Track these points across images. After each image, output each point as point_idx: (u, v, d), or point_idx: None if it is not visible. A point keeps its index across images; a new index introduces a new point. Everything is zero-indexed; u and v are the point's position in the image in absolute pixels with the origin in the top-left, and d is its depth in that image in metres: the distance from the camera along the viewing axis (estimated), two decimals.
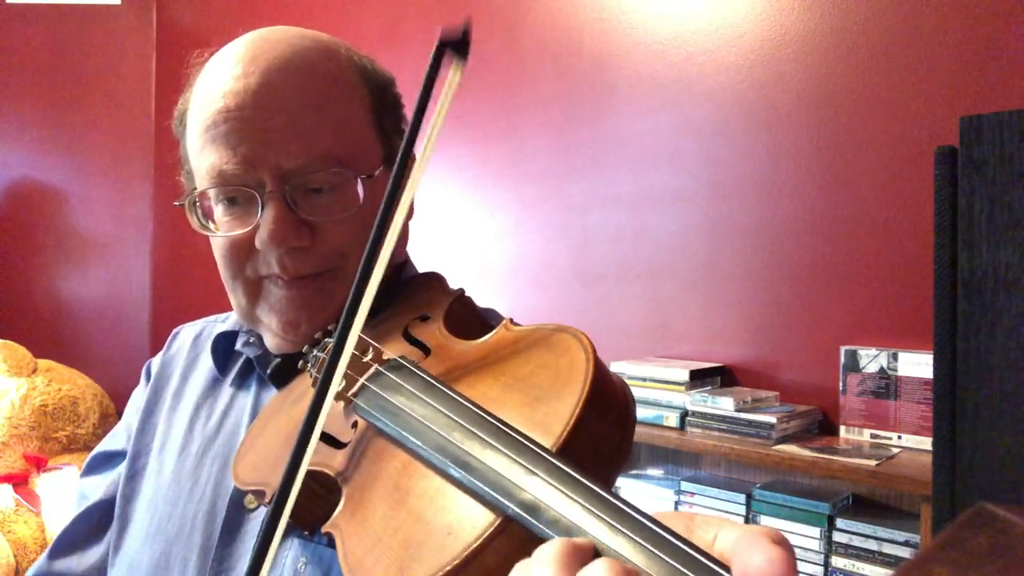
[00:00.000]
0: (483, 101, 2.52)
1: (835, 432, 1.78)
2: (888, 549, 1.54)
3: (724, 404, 1.76)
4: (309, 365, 0.63)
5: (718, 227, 2.04)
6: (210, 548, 0.66)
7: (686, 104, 2.10)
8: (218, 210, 0.67)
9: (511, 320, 0.55)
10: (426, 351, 0.57)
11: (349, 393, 0.53)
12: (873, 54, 1.80)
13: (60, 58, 3.57)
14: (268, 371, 0.70)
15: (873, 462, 1.53)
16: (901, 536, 1.53)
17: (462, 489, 0.41)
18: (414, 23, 2.72)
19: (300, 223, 0.64)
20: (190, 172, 0.71)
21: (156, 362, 0.85)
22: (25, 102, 3.54)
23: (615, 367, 1.93)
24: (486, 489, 0.39)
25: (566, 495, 0.36)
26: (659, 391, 1.88)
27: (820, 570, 1.61)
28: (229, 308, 0.85)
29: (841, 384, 1.77)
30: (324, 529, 0.47)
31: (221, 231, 0.67)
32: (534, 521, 0.36)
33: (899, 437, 1.68)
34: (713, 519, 0.33)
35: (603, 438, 0.43)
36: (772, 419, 1.69)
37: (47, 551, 0.78)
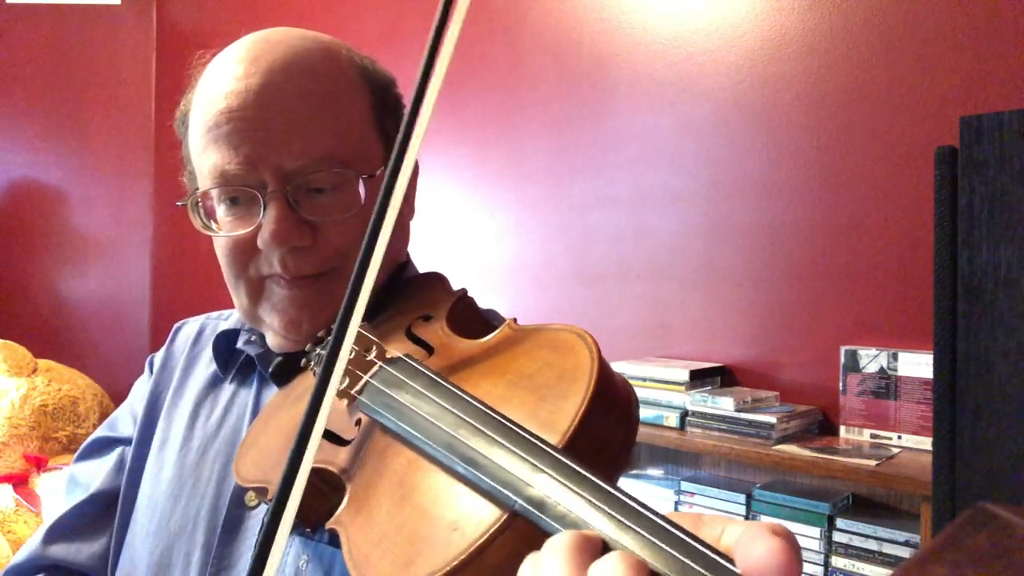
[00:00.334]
0: (483, 101, 2.52)
1: (835, 432, 1.78)
2: (888, 549, 1.54)
3: (724, 404, 1.76)
4: (312, 363, 0.63)
5: (718, 227, 2.04)
6: (212, 545, 0.66)
7: (686, 104, 2.10)
8: (220, 210, 0.67)
9: (514, 320, 0.55)
10: (429, 350, 0.57)
11: (353, 390, 0.53)
12: (873, 54, 1.80)
13: (60, 58, 3.57)
14: (270, 369, 0.70)
15: (873, 462, 1.53)
16: (901, 536, 1.53)
17: (468, 485, 0.41)
18: (414, 23, 2.72)
19: (302, 223, 0.64)
20: (192, 172, 0.71)
21: (159, 357, 0.85)
22: (25, 102, 3.54)
23: (615, 367, 1.93)
24: (493, 485, 0.40)
25: (573, 491, 0.36)
26: (659, 391, 1.88)
27: (820, 570, 1.61)
28: (229, 306, 0.85)
29: (841, 384, 1.77)
30: (328, 525, 0.47)
31: (224, 231, 0.67)
32: (542, 516, 0.37)
33: (899, 437, 1.68)
34: (719, 518, 0.34)
35: (607, 437, 0.43)
36: (772, 419, 1.69)
37: (41, 536, 0.77)
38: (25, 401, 2.45)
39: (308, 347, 0.65)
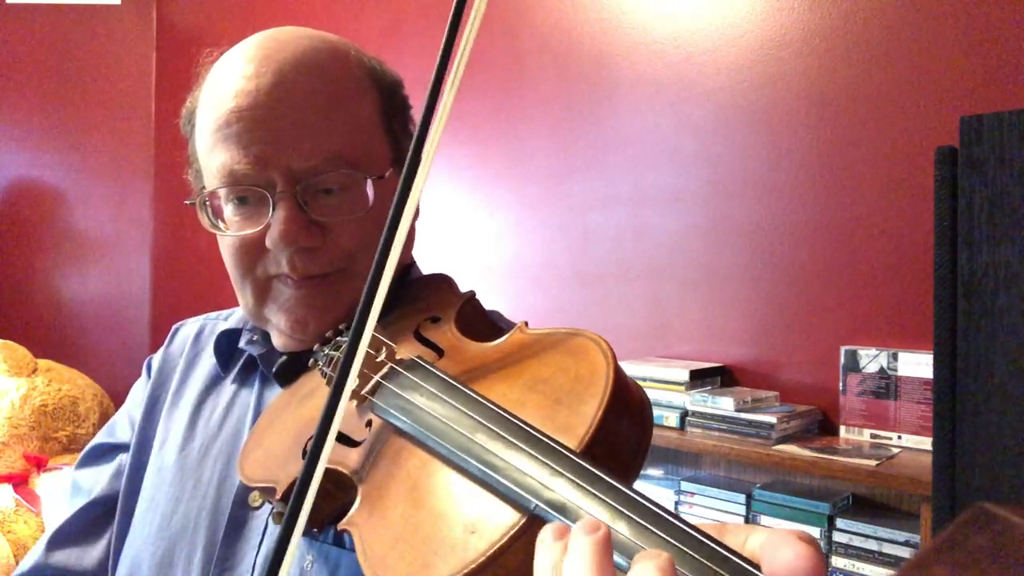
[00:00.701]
0: (483, 101, 2.52)
1: (835, 432, 1.78)
2: (888, 549, 1.54)
3: (724, 404, 1.76)
4: (321, 363, 0.63)
5: (718, 227, 2.04)
6: (214, 545, 0.66)
7: (686, 104, 2.10)
8: (228, 209, 0.68)
9: (525, 323, 0.55)
10: (439, 352, 0.57)
11: (363, 391, 0.53)
12: (873, 54, 1.80)
13: (60, 58, 3.57)
14: (274, 369, 0.70)
15: (873, 462, 1.53)
16: (901, 536, 1.53)
17: (485, 488, 0.41)
18: (414, 23, 2.72)
19: (311, 223, 0.64)
20: (199, 171, 0.71)
21: (157, 358, 0.85)
22: (25, 102, 3.54)
23: None
24: (511, 487, 0.39)
25: (593, 494, 0.36)
26: (659, 391, 1.88)
27: None
28: (229, 306, 0.85)
29: (841, 384, 1.77)
30: (340, 527, 0.47)
31: (231, 230, 0.67)
32: (562, 519, 0.37)
33: (899, 437, 1.68)
34: (743, 526, 0.34)
35: (623, 442, 0.43)
36: (772, 419, 1.69)
37: (44, 543, 0.77)
38: (25, 401, 2.45)
39: (316, 347, 0.65)
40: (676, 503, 1.87)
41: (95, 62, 3.61)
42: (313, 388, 0.63)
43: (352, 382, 0.44)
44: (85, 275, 3.62)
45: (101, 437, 0.83)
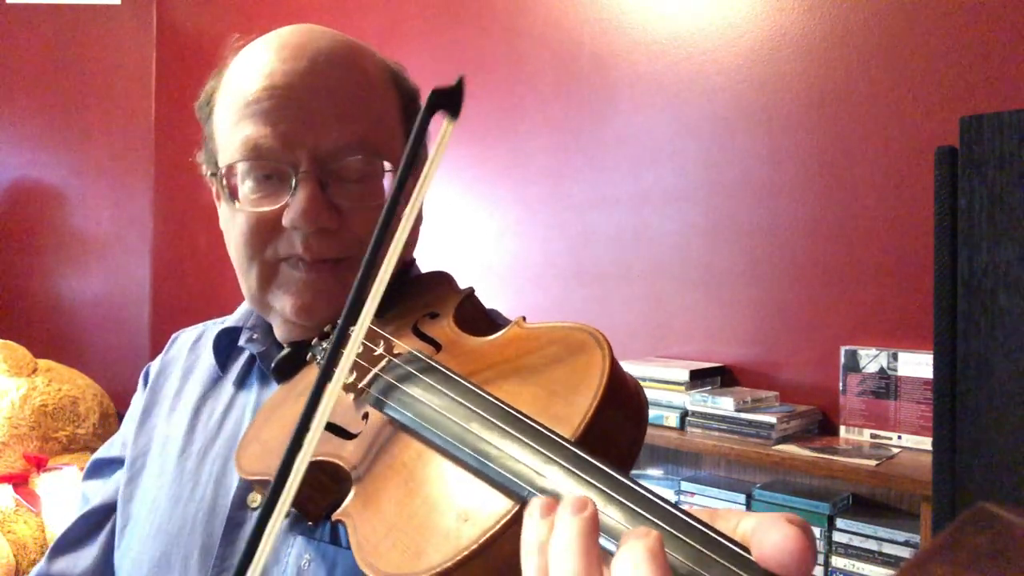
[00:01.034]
0: (483, 101, 2.52)
1: (835, 432, 1.78)
2: (888, 549, 1.54)
3: (724, 404, 1.76)
4: (318, 357, 0.63)
5: (718, 227, 2.04)
6: (211, 546, 0.66)
7: (686, 104, 2.10)
8: (246, 187, 0.67)
9: (523, 318, 0.56)
10: (437, 346, 0.57)
11: (361, 384, 0.54)
12: (873, 54, 1.80)
13: (60, 58, 3.57)
14: (272, 365, 0.69)
15: (873, 462, 1.53)
16: (901, 536, 1.53)
17: (479, 477, 0.42)
18: (414, 23, 2.72)
19: (331, 206, 0.65)
20: (213, 150, 0.71)
21: (154, 365, 0.85)
22: (25, 102, 3.54)
23: None
24: (505, 475, 0.40)
25: (587, 481, 0.37)
26: (659, 391, 1.88)
27: (820, 570, 1.61)
28: (229, 308, 0.85)
29: (841, 384, 1.77)
30: (334, 517, 0.47)
31: (248, 207, 0.67)
32: None
33: (899, 437, 1.68)
34: (734, 511, 0.34)
35: (617, 435, 0.44)
36: (772, 419, 1.69)
37: (48, 551, 0.78)
38: (25, 401, 2.45)
39: (314, 342, 0.65)
40: (676, 503, 1.87)
41: (95, 62, 3.61)
42: (311, 382, 0.63)
43: (344, 371, 0.44)
44: (85, 275, 3.62)
45: (101, 452, 0.84)
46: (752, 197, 1.98)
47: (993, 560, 0.23)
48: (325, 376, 0.44)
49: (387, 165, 0.68)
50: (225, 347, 0.79)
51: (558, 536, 0.33)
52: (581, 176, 2.31)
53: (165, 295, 3.66)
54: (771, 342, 1.95)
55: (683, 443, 1.79)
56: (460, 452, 0.43)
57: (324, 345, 0.63)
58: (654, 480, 1.97)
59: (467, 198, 2.58)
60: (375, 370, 0.54)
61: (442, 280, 0.71)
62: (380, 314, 0.66)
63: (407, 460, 0.47)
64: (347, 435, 0.53)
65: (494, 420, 0.43)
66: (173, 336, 0.88)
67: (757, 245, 1.97)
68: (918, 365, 1.66)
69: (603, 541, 0.34)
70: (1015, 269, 1.03)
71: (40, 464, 2.43)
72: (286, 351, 0.69)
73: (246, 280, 0.70)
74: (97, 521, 0.78)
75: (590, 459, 0.38)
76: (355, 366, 0.55)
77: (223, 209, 0.71)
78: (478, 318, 0.64)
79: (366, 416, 0.53)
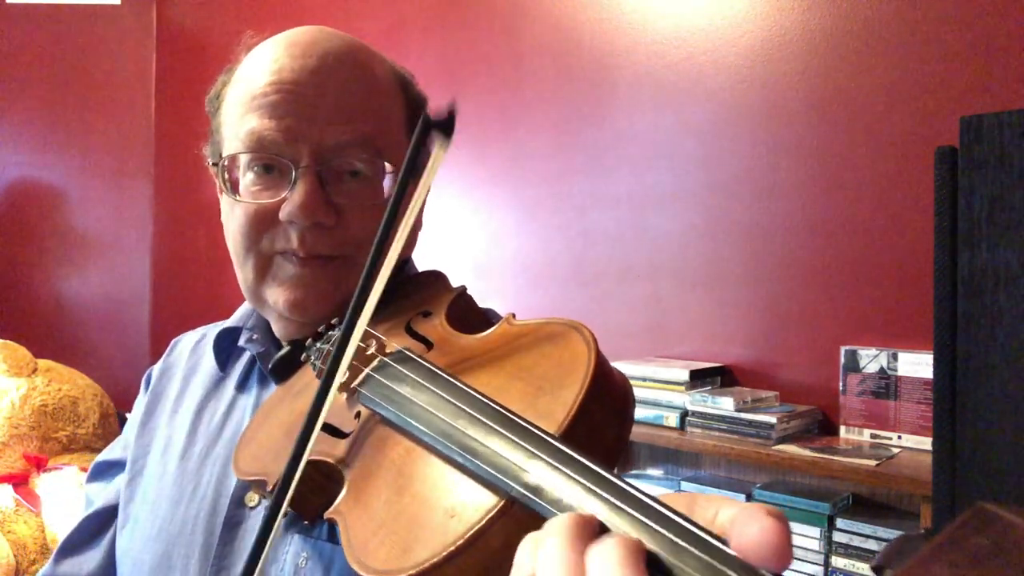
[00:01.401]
0: (483, 101, 2.52)
1: (835, 432, 1.78)
2: None
3: (724, 404, 1.76)
4: (312, 358, 0.64)
5: (718, 227, 2.04)
6: (211, 546, 0.66)
7: (686, 104, 2.10)
8: (247, 178, 0.68)
9: (512, 315, 0.56)
10: (428, 344, 0.58)
11: (353, 384, 0.54)
12: (873, 54, 1.80)
13: (60, 58, 3.57)
14: (270, 365, 0.70)
15: (873, 462, 1.53)
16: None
17: (466, 473, 0.42)
18: (414, 23, 2.72)
19: (328, 202, 0.66)
20: (219, 143, 0.72)
21: (156, 369, 0.85)
22: (25, 102, 3.54)
23: (614, 367, 1.93)
24: (490, 471, 0.40)
25: (568, 476, 0.37)
26: (659, 391, 1.88)
27: (820, 570, 1.61)
28: (229, 308, 0.85)
29: (841, 384, 1.77)
30: (327, 515, 0.48)
31: (247, 199, 0.68)
32: (538, 500, 0.37)
33: (899, 437, 1.68)
34: (715, 498, 0.34)
35: (603, 428, 0.44)
36: (772, 419, 1.69)
37: (54, 554, 0.79)
38: (25, 401, 2.45)
39: (308, 342, 0.65)
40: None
41: (95, 62, 3.61)
42: (306, 383, 0.64)
43: (342, 375, 0.44)
44: (85, 275, 3.62)
45: (104, 454, 0.85)
46: (752, 197, 1.98)
47: (993, 560, 0.23)
48: (327, 382, 0.44)
49: (388, 166, 0.68)
50: (225, 348, 0.79)
51: (547, 527, 0.34)
52: (581, 176, 2.30)
53: (165, 295, 3.66)
54: (771, 342, 1.95)
55: (683, 443, 1.79)
56: (447, 449, 0.43)
57: (319, 345, 0.64)
58: (654, 480, 1.97)
59: (467, 198, 2.58)
60: (367, 370, 0.54)
61: (435, 279, 0.72)
62: (375, 314, 0.67)
63: (396, 458, 0.47)
64: (340, 434, 0.54)
65: (480, 417, 0.43)
66: (174, 340, 0.88)
67: (757, 245, 1.97)
68: (918, 365, 1.66)
69: None
70: (1015, 269, 1.03)
71: (40, 464, 2.43)
72: (282, 352, 0.69)
73: (242, 272, 0.70)
74: (101, 524, 0.78)
75: (573, 454, 0.38)
76: (348, 365, 0.55)
77: (224, 201, 0.71)
78: (470, 316, 0.65)
79: (358, 415, 0.54)
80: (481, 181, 2.56)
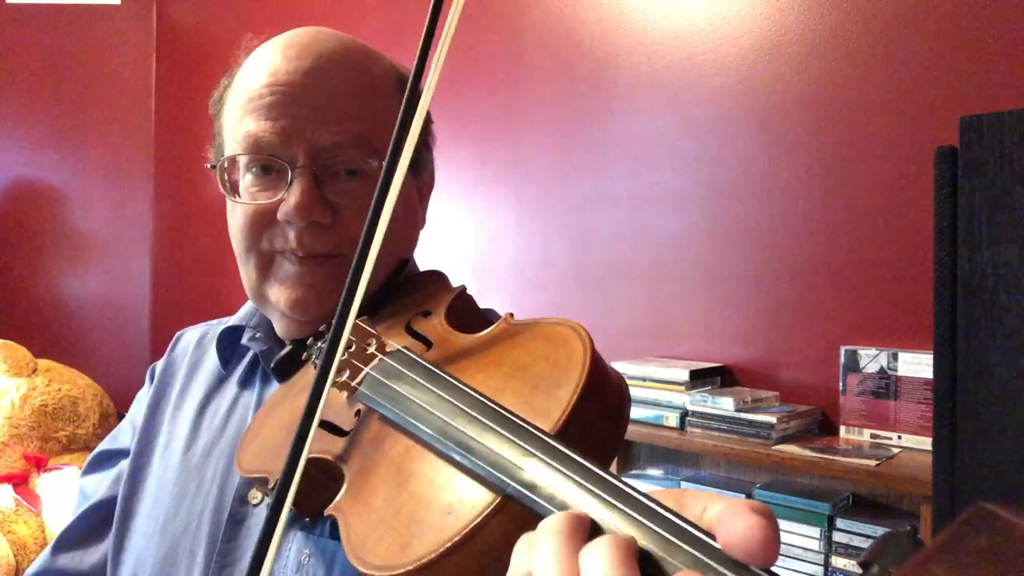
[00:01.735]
0: (483, 101, 2.52)
1: (835, 432, 1.78)
2: None
3: (724, 404, 1.76)
4: (314, 356, 0.64)
5: (718, 227, 2.04)
6: (216, 542, 0.66)
7: (686, 104, 2.10)
8: (246, 179, 0.69)
9: (511, 315, 0.56)
10: (428, 344, 0.59)
11: (354, 382, 0.55)
12: (873, 54, 1.80)
13: (60, 58, 3.57)
14: (272, 364, 0.71)
15: (873, 462, 1.53)
16: None
17: (463, 471, 0.43)
18: (414, 23, 2.72)
19: (325, 201, 0.66)
20: (220, 145, 0.73)
21: (160, 364, 0.86)
22: (25, 102, 3.54)
23: (615, 367, 1.93)
24: (487, 468, 0.41)
25: (563, 473, 0.38)
26: (659, 391, 1.88)
27: (820, 570, 1.61)
28: (229, 308, 0.85)
29: (841, 384, 1.77)
30: (327, 512, 0.48)
31: (246, 200, 0.69)
32: (533, 497, 0.38)
33: (899, 437, 1.68)
34: (703, 494, 0.35)
35: (598, 427, 0.44)
36: (772, 419, 1.69)
37: (51, 547, 0.78)
38: (25, 401, 2.45)
39: (310, 341, 0.66)
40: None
41: (95, 62, 3.61)
42: (308, 382, 0.65)
43: (338, 370, 0.44)
44: (85, 275, 3.62)
45: (105, 444, 0.85)
46: (752, 197, 1.98)
47: (993, 560, 0.23)
48: (325, 368, 0.45)
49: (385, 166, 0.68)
50: (229, 346, 0.79)
51: (540, 528, 0.34)
52: (581, 176, 2.30)
53: (165, 295, 3.66)
54: (771, 342, 1.95)
55: (683, 443, 1.79)
56: (444, 446, 0.44)
57: (320, 344, 0.64)
58: (654, 480, 1.97)
59: (467, 198, 2.58)
60: (367, 368, 0.55)
61: (436, 279, 0.73)
62: (375, 313, 0.67)
63: (395, 455, 0.48)
64: (340, 432, 0.54)
65: (477, 415, 0.44)
66: (177, 335, 0.88)
67: (757, 245, 1.97)
68: (918, 365, 1.66)
69: None
70: (1015, 269, 1.03)
71: (40, 464, 2.43)
72: (285, 351, 0.70)
73: (245, 271, 0.71)
74: (103, 518, 0.78)
75: (567, 451, 0.39)
76: (348, 364, 0.56)
77: (228, 202, 0.72)
78: (469, 315, 0.65)
79: (358, 413, 0.54)
80: (481, 181, 2.56)
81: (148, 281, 3.69)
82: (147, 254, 3.69)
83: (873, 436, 1.71)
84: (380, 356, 0.55)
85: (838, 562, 1.59)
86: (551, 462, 0.38)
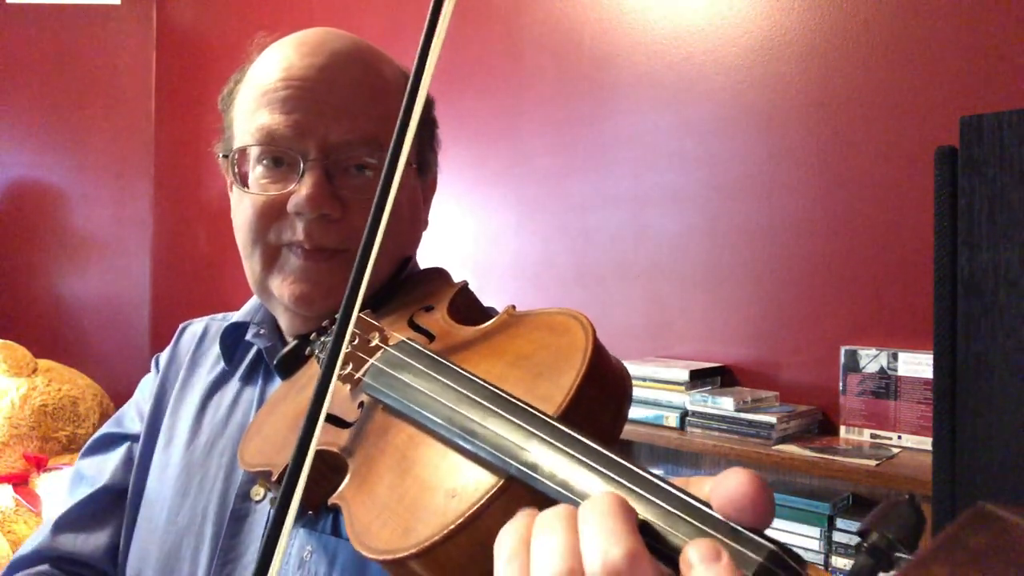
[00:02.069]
0: (483, 101, 2.52)
1: (835, 432, 1.78)
2: None
3: (724, 404, 1.76)
4: (317, 352, 0.65)
5: (718, 227, 2.04)
6: (220, 538, 0.67)
7: (686, 104, 2.10)
8: (256, 171, 0.70)
9: (513, 307, 0.57)
10: (430, 337, 0.59)
11: (357, 374, 0.55)
12: (873, 54, 1.80)
13: (60, 58, 3.57)
14: (275, 361, 0.71)
15: (873, 462, 1.53)
16: None
17: (467, 455, 0.43)
18: (414, 23, 2.71)
19: (335, 195, 0.67)
20: (230, 139, 0.74)
21: (164, 355, 0.86)
22: (25, 102, 3.54)
23: None
24: (491, 451, 0.41)
25: (565, 451, 0.38)
26: (659, 391, 1.88)
27: None
28: (229, 308, 0.85)
29: (841, 384, 1.77)
30: (331, 501, 0.49)
31: (256, 191, 0.69)
32: (536, 476, 0.38)
33: (899, 437, 1.68)
34: (706, 478, 0.36)
35: (600, 412, 0.45)
36: (772, 419, 1.69)
37: (50, 527, 0.78)
38: (25, 401, 2.45)
39: (313, 336, 0.66)
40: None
41: (95, 62, 3.61)
42: (311, 377, 0.66)
43: (343, 363, 0.44)
44: (85, 275, 3.62)
45: (108, 427, 0.85)
46: (752, 197, 1.98)
47: (993, 560, 0.23)
48: (330, 365, 0.45)
49: None
50: (232, 342, 0.79)
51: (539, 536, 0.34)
52: (581, 176, 2.30)
53: (165, 295, 3.66)
54: (771, 342, 1.95)
55: (683, 443, 1.79)
56: (448, 432, 0.44)
57: (323, 339, 0.65)
58: None
59: (467, 198, 2.58)
60: (372, 360, 0.55)
61: (437, 275, 0.73)
62: (378, 308, 0.68)
63: (399, 443, 0.48)
64: (344, 424, 0.55)
65: (480, 400, 0.44)
66: (181, 326, 0.89)
67: (757, 245, 1.97)
68: (918, 365, 1.66)
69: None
70: (1015, 269, 1.03)
71: (40, 464, 2.43)
72: (289, 347, 0.70)
73: (250, 263, 0.72)
74: (105, 506, 0.78)
75: (569, 431, 0.39)
76: (352, 357, 0.57)
77: (233, 194, 0.73)
78: (471, 309, 0.66)
79: (361, 404, 0.55)
80: (481, 181, 2.56)
81: (148, 281, 3.69)
82: (147, 254, 3.69)
83: (873, 436, 1.71)
84: (384, 347, 0.56)
85: (838, 562, 1.59)
86: (554, 442, 0.39)
